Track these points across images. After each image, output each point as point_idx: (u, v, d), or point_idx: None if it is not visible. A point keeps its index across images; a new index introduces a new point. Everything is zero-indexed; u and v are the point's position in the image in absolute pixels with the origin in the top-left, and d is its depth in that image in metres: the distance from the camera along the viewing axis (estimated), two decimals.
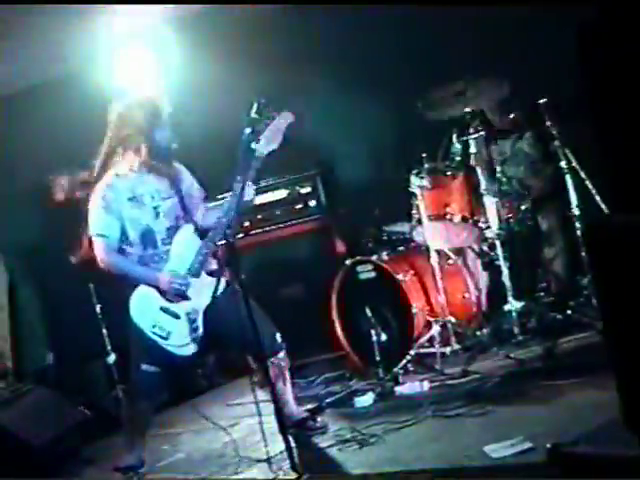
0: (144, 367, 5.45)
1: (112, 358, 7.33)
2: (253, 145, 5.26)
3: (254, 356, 5.73)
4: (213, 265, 5.44)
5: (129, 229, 5.44)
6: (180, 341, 5.33)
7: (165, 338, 5.33)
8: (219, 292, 5.19)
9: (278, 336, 5.54)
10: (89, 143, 5.55)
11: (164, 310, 5.36)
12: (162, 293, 5.37)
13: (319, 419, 5.67)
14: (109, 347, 7.34)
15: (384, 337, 6.11)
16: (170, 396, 6.48)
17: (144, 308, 5.39)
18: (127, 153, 5.46)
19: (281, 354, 5.53)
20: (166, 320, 5.35)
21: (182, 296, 5.35)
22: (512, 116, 6.67)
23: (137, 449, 5.72)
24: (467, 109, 6.40)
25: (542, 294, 6.56)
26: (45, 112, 7.92)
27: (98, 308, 7.37)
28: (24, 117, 8.06)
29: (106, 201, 5.41)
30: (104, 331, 7.34)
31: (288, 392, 5.63)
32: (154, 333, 5.34)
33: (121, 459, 5.72)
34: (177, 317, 5.35)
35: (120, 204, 5.41)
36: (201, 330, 5.33)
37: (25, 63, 7.45)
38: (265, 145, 5.36)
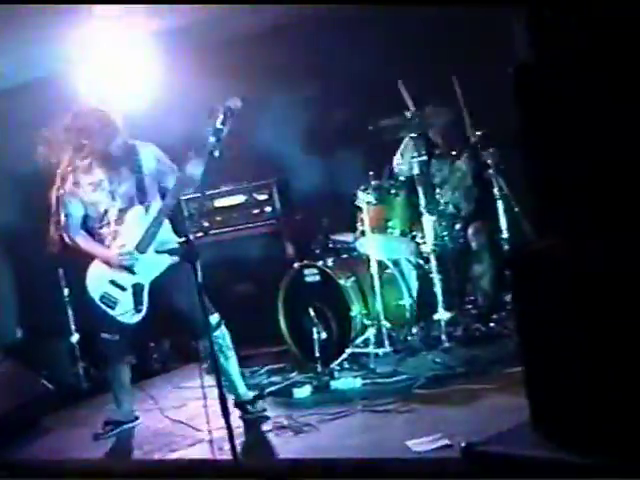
0: (102, 335, 5.62)
1: (75, 337, 7.33)
2: (216, 153, 5.20)
3: (191, 334, 5.76)
4: (169, 245, 5.39)
5: (90, 210, 5.53)
6: (124, 310, 5.46)
7: (112, 307, 5.49)
8: (164, 270, 5.33)
9: (213, 317, 5.42)
10: None
11: (112, 282, 5.49)
12: (112, 267, 5.47)
13: (259, 405, 5.62)
14: (73, 327, 7.32)
15: (324, 336, 6.09)
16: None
17: (96, 280, 5.55)
18: (86, 151, 5.44)
19: (217, 332, 5.45)
20: (113, 291, 5.49)
21: (128, 270, 5.42)
22: (452, 142, 6.69)
23: (124, 406, 5.85)
24: (413, 134, 6.42)
25: (469, 307, 6.58)
26: (27, 109, 7.75)
27: (66, 291, 7.32)
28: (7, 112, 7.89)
29: (70, 189, 5.49)
30: (70, 312, 7.31)
31: (233, 372, 5.60)
32: (102, 302, 5.50)
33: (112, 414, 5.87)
34: (123, 289, 5.48)
35: (81, 189, 5.48)
36: (146, 302, 5.44)
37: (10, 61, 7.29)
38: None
